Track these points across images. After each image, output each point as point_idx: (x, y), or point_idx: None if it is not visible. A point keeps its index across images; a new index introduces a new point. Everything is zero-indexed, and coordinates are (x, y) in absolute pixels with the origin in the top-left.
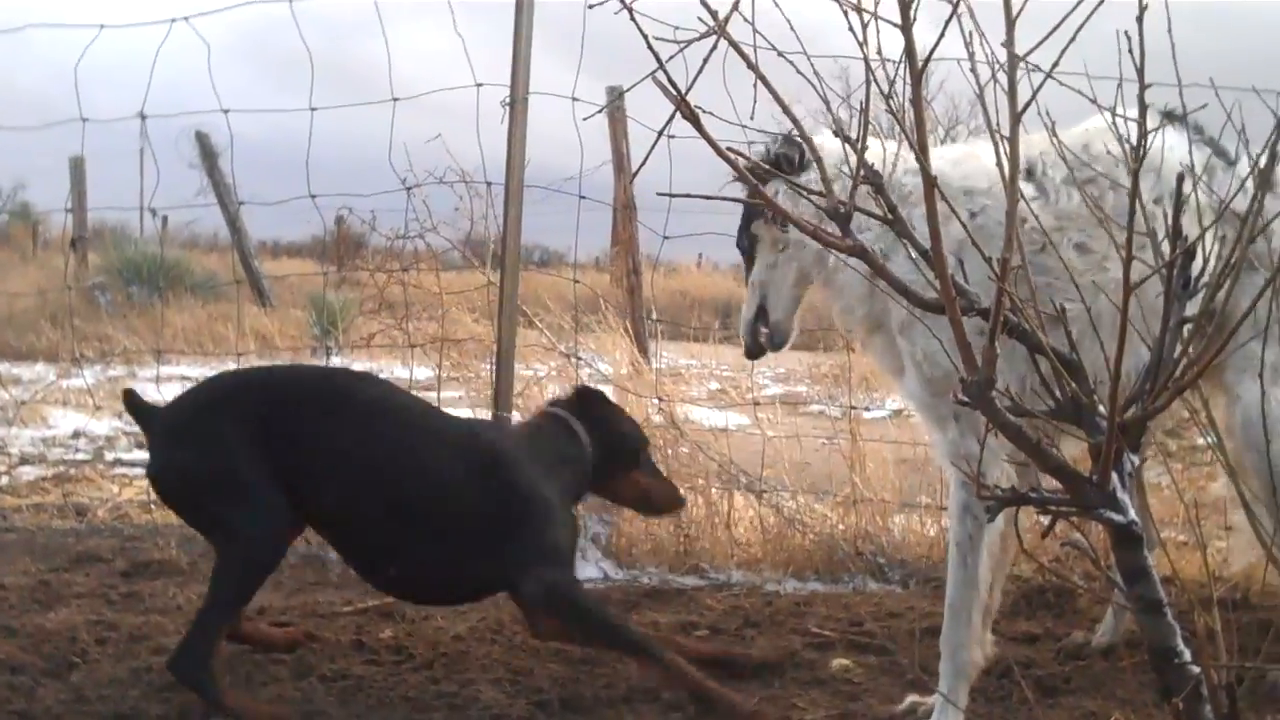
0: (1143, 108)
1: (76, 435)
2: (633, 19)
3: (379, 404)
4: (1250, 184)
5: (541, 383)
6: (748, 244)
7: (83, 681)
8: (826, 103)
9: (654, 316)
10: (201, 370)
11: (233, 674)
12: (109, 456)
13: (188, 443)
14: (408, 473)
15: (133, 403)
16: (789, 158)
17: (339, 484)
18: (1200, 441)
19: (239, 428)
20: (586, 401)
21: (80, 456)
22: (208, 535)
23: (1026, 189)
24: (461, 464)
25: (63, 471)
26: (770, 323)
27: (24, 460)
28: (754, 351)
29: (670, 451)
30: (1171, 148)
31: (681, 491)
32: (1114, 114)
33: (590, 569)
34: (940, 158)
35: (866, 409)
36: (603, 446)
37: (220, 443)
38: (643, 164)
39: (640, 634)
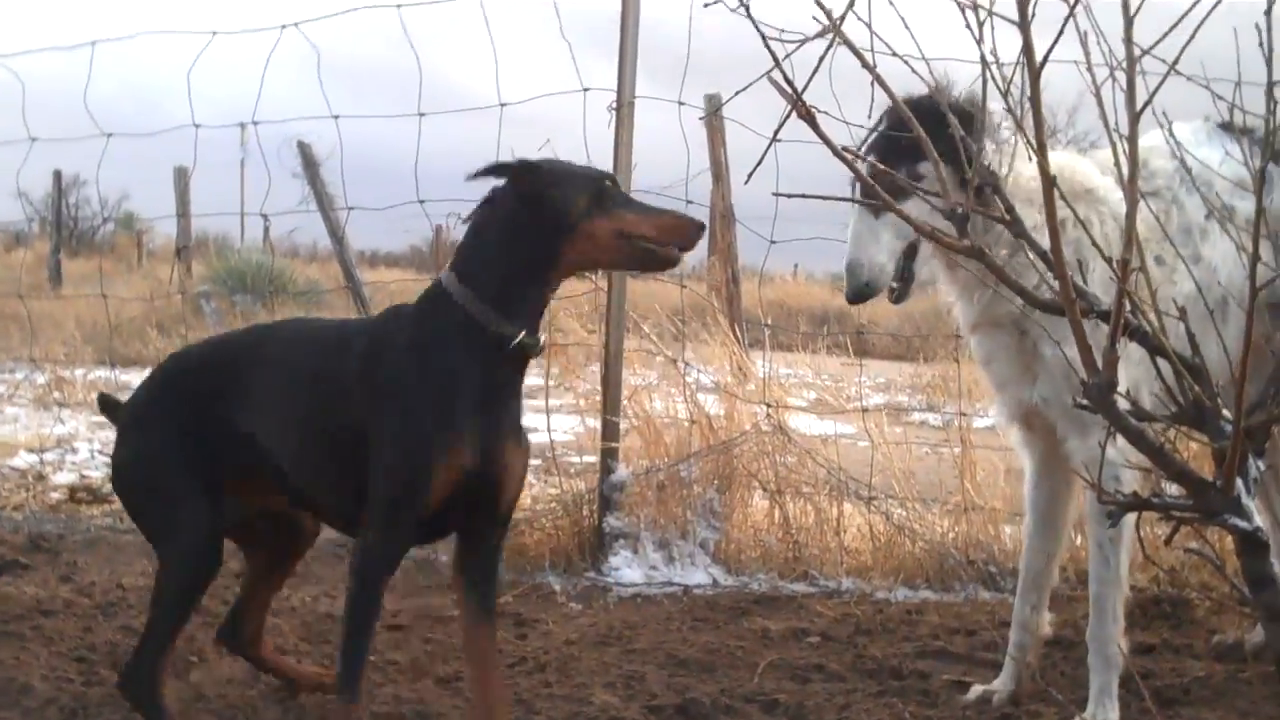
0: (1270, 102)
1: None
2: (749, 16)
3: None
4: None
5: (649, 389)
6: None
7: None
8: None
9: (768, 322)
10: None
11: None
12: None
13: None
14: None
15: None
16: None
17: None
18: None
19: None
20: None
21: None
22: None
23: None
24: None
25: None
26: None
27: None
28: (866, 295)
29: (778, 458)
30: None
31: (687, 214)
32: (1169, 126)
33: (699, 574)
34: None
35: (979, 416)
36: (523, 243)
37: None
38: (759, 164)
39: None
